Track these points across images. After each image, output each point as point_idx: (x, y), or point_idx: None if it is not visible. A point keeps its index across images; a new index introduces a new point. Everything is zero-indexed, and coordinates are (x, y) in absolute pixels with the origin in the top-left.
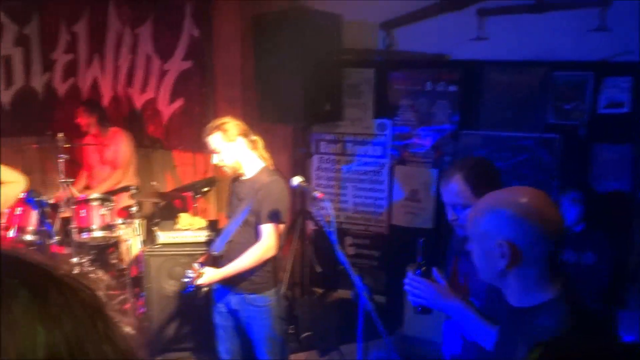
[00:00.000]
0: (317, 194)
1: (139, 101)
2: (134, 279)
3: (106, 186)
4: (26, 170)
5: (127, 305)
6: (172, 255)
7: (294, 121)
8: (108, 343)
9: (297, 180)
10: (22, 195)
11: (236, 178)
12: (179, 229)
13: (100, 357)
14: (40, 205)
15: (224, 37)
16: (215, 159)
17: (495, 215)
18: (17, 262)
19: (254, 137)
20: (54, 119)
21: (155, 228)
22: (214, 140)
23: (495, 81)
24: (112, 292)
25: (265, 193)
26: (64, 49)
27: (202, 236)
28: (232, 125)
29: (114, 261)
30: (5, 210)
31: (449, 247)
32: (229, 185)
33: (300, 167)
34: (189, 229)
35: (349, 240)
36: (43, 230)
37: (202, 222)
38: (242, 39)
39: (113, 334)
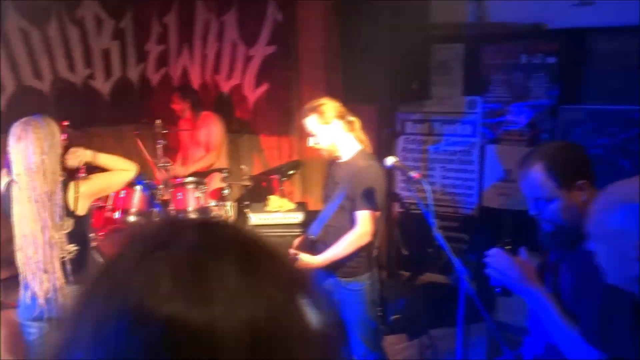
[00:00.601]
0: (414, 174)
1: (226, 87)
2: None
3: (198, 167)
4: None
5: None
6: (264, 236)
7: (379, 101)
8: (306, 320)
9: (391, 160)
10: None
11: (333, 161)
12: (269, 211)
13: (300, 334)
14: (150, 187)
15: (308, 19)
16: (311, 142)
17: (630, 211)
18: (230, 232)
19: (351, 119)
20: (148, 106)
21: (246, 210)
22: (310, 122)
23: (600, 50)
24: None
25: (360, 179)
26: (155, 40)
27: (292, 218)
28: (328, 107)
29: None
30: (110, 194)
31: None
32: (326, 168)
33: (385, 148)
34: (279, 210)
35: (437, 223)
36: (145, 212)
37: (291, 205)
38: (326, 21)
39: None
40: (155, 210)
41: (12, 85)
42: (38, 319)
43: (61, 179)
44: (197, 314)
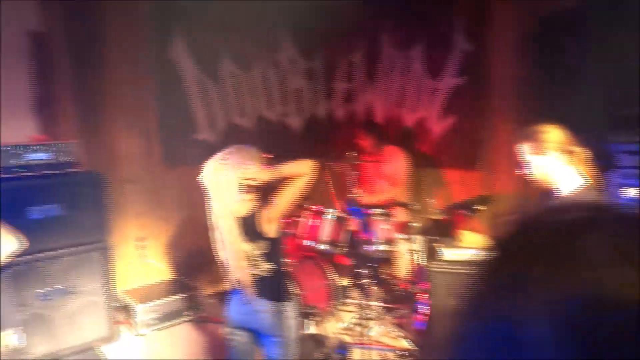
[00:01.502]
0: None
1: (410, 120)
2: (411, 294)
3: (382, 199)
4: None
5: (404, 319)
6: (457, 272)
7: (586, 130)
8: None
9: (633, 192)
10: (345, 206)
11: (546, 194)
12: (463, 247)
13: None
14: (362, 214)
15: (498, 47)
16: (522, 171)
17: None
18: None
19: (575, 149)
20: (334, 141)
21: (435, 244)
22: (523, 150)
23: None
24: (391, 306)
25: None
26: (342, 78)
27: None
28: (546, 134)
29: (391, 275)
30: (301, 223)
31: None
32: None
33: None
34: (473, 247)
35: None
36: (335, 240)
37: (486, 241)
38: (518, 47)
39: None
40: (368, 237)
41: (223, 122)
42: (239, 325)
43: (249, 201)
44: None
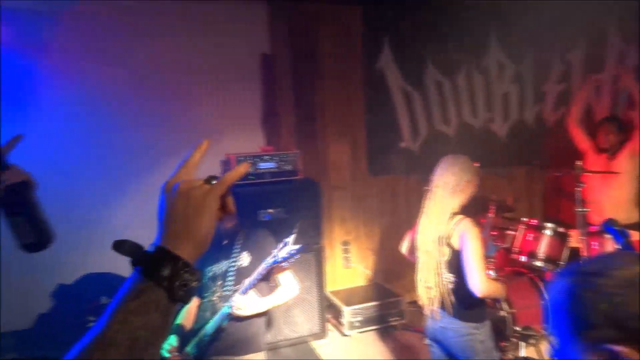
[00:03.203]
0: None
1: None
2: None
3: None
4: (517, 197)
5: None
6: None
7: None
8: None
9: None
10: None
11: None
12: None
13: None
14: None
15: None
16: None
17: None
18: None
19: None
20: (542, 148)
21: None
22: None
23: None
24: None
25: None
26: (555, 80)
27: None
28: None
29: None
30: (518, 237)
31: None
32: None
33: None
34: None
35: None
36: (553, 257)
37: None
38: None
39: None
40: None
41: (426, 130)
42: (433, 338)
43: (454, 211)
44: None
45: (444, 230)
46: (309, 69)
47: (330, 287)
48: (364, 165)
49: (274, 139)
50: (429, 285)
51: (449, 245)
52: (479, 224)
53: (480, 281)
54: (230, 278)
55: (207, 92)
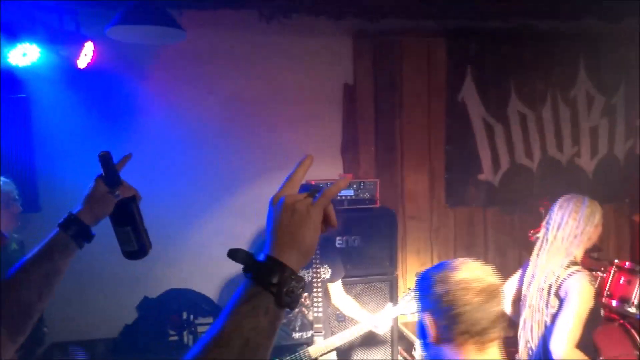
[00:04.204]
0: None
1: None
2: None
3: None
4: (604, 236)
5: None
6: None
7: None
8: None
9: None
10: None
11: None
12: None
13: None
14: None
15: None
16: None
17: None
18: None
19: None
20: (633, 186)
21: None
22: None
23: None
24: None
25: None
26: None
27: None
28: None
29: None
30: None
31: None
32: None
33: None
34: None
35: None
36: None
37: None
38: None
39: None
40: None
41: (507, 163)
42: None
43: (575, 261)
44: None
45: (555, 280)
46: (390, 99)
47: (402, 318)
48: (441, 196)
49: (353, 166)
50: (532, 345)
51: (557, 296)
52: (595, 280)
53: (567, 347)
54: (316, 289)
55: (292, 121)
